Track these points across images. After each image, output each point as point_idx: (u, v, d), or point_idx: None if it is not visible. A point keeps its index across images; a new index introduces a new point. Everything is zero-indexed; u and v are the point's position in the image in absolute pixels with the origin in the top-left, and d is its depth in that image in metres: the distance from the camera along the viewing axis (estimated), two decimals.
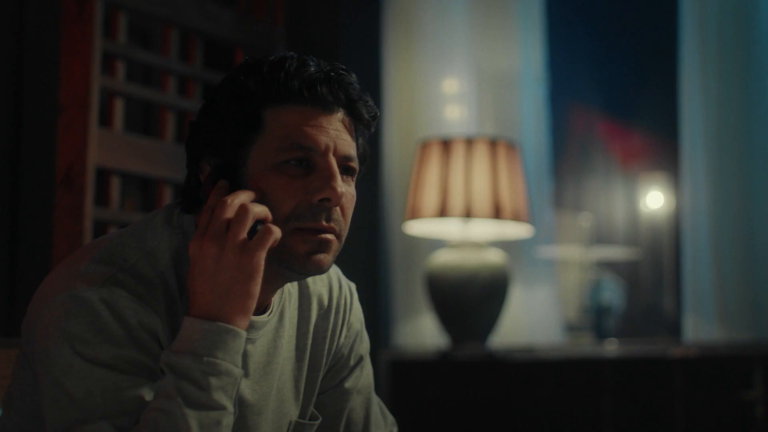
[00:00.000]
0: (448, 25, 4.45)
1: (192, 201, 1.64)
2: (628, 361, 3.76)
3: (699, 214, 4.34)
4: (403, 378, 3.88)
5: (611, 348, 4.14)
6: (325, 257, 1.60)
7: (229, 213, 1.52)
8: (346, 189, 1.60)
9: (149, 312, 1.53)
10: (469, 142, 3.91)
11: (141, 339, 1.51)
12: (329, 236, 1.59)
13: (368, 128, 1.66)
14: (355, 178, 1.64)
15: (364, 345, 1.89)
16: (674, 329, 4.83)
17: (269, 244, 1.52)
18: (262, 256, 1.51)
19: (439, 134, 4.25)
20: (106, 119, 3.15)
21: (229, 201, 1.53)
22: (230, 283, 1.50)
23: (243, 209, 1.52)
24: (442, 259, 3.97)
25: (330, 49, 3.82)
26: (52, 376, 1.48)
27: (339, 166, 1.59)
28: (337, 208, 1.59)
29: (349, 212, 1.63)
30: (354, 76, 1.63)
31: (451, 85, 4.46)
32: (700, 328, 4.29)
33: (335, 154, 1.59)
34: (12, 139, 2.90)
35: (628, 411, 3.67)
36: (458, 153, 3.90)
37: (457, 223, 4.03)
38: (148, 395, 1.49)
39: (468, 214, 3.86)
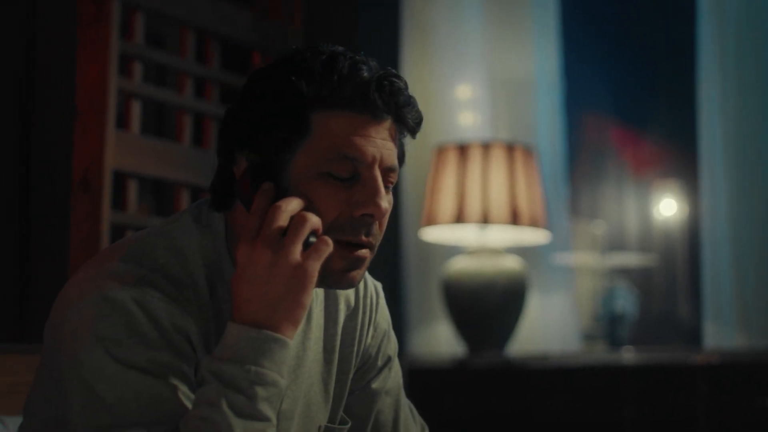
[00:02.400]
0: (463, 31, 4.43)
1: (223, 197, 1.59)
2: (649, 369, 3.72)
3: (718, 220, 4.31)
4: (420, 386, 3.85)
5: (630, 355, 4.10)
6: (358, 273, 1.56)
7: (284, 220, 1.48)
8: (387, 200, 1.56)
9: (182, 313, 1.49)
10: (486, 147, 3.89)
11: (175, 341, 1.47)
12: (365, 252, 1.56)
13: (412, 134, 1.63)
14: (393, 185, 1.61)
15: (392, 345, 1.85)
16: (690, 336, 4.80)
17: (325, 255, 1.48)
18: (317, 267, 1.47)
19: (454, 139, 4.21)
20: (123, 122, 3.12)
21: (283, 207, 1.48)
22: (283, 292, 1.45)
23: (301, 218, 1.48)
24: (459, 265, 3.93)
25: None
26: (81, 380, 1.44)
27: (382, 176, 1.56)
28: (377, 222, 1.56)
29: (386, 222, 1.59)
30: (404, 80, 1.58)
31: (466, 91, 4.43)
32: (721, 334, 4.25)
33: (380, 165, 1.55)
34: (29, 142, 2.88)
35: (649, 419, 3.63)
36: (475, 158, 3.87)
37: (473, 230, 4.00)
38: (183, 401, 1.44)
39: (485, 220, 3.83)
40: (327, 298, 1.74)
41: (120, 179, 3.08)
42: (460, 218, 3.84)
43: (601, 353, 4.54)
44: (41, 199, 2.91)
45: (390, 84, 1.55)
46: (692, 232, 4.82)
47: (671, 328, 5.18)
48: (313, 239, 1.49)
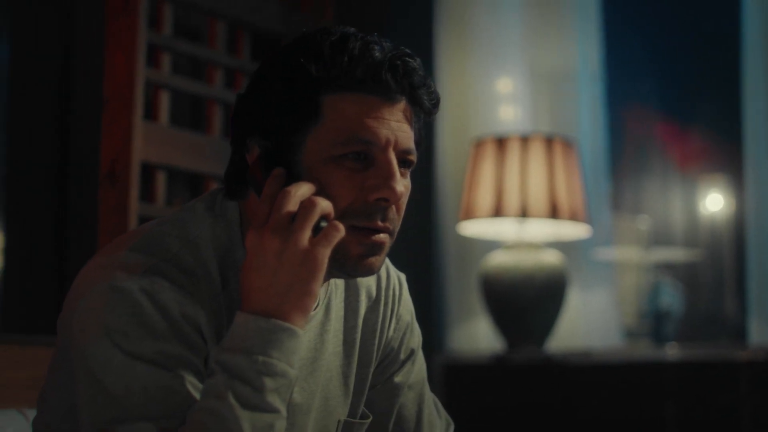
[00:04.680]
0: (502, 23, 4.39)
1: (237, 186, 1.55)
2: (692, 365, 3.66)
3: (764, 215, 4.24)
4: (458, 382, 3.83)
5: (673, 352, 4.04)
6: (377, 260, 1.52)
7: (293, 205, 1.44)
8: (403, 184, 1.51)
9: (192, 304, 1.45)
10: (525, 139, 3.84)
11: (184, 332, 1.43)
12: (383, 237, 1.51)
13: (429, 115, 1.57)
14: (411, 168, 1.56)
15: (415, 338, 1.79)
16: (736, 333, 4.73)
17: (335, 241, 1.44)
18: (327, 253, 1.43)
19: (493, 132, 4.17)
20: (152, 113, 3.10)
21: (293, 192, 1.44)
22: (292, 280, 1.41)
23: (310, 203, 1.44)
24: (497, 260, 3.89)
25: None
26: (89, 372, 1.41)
27: (397, 159, 1.51)
28: (393, 206, 1.51)
29: (404, 206, 1.55)
30: (418, 60, 1.53)
31: (506, 84, 4.39)
32: (766, 331, 4.18)
33: (395, 148, 1.50)
34: (58, 133, 2.88)
35: (691, 416, 3.57)
36: (513, 151, 3.82)
37: (512, 224, 3.95)
38: (192, 394, 1.40)
39: (524, 213, 3.78)
40: (347, 289, 1.70)
41: (149, 171, 3.06)
42: (498, 212, 3.79)
43: (641, 349, 4.48)
44: (70, 191, 2.90)
45: (403, 64, 1.50)
46: (739, 227, 4.75)
47: (717, 325, 5.12)
48: (323, 224, 1.44)
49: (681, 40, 5.03)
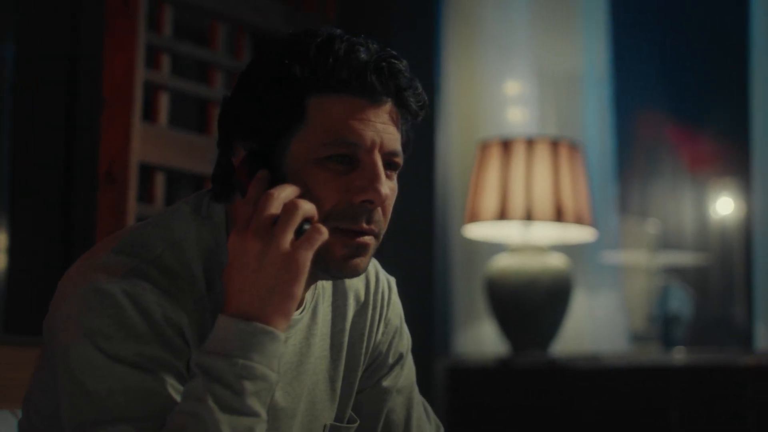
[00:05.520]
0: (510, 25, 4.38)
1: (223, 188, 1.54)
2: (697, 370, 3.64)
3: None
4: (462, 386, 3.81)
5: (678, 356, 4.01)
6: (362, 261, 1.51)
7: (276, 208, 1.43)
8: (389, 186, 1.50)
9: (175, 306, 1.43)
10: (530, 142, 3.83)
11: (166, 335, 1.42)
12: (367, 239, 1.50)
13: (416, 118, 1.55)
14: (397, 171, 1.54)
15: (404, 342, 1.78)
16: (745, 338, 4.71)
17: (317, 244, 1.42)
18: (309, 256, 1.42)
19: (498, 135, 4.16)
20: (151, 115, 3.10)
21: (275, 195, 1.43)
22: (273, 283, 1.40)
23: (293, 205, 1.43)
24: (502, 263, 3.88)
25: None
26: (70, 374, 1.40)
27: (383, 161, 1.50)
28: (378, 208, 1.50)
29: (390, 209, 1.53)
30: (405, 62, 1.52)
31: (513, 86, 4.38)
32: None
33: (381, 150, 1.49)
34: (62, 134, 2.88)
35: (696, 422, 3.55)
36: (519, 154, 3.81)
37: (517, 226, 3.93)
38: (173, 397, 1.40)
39: (529, 216, 3.77)
40: (335, 293, 1.68)
41: (147, 172, 3.06)
42: (503, 215, 3.78)
43: (648, 353, 4.46)
44: (71, 192, 2.91)
45: (389, 65, 1.49)
46: (748, 231, 4.73)
47: (726, 330, 5.09)
48: (306, 227, 1.43)
49: (689, 43, 5.01)
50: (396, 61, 1.50)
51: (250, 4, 3.36)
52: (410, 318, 1.81)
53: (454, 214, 4.24)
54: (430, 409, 1.82)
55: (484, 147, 3.91)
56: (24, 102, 2.95)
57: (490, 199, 3.81)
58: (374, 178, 1.47)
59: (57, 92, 2.93)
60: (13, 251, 2.95)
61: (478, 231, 4.00)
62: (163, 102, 3.09)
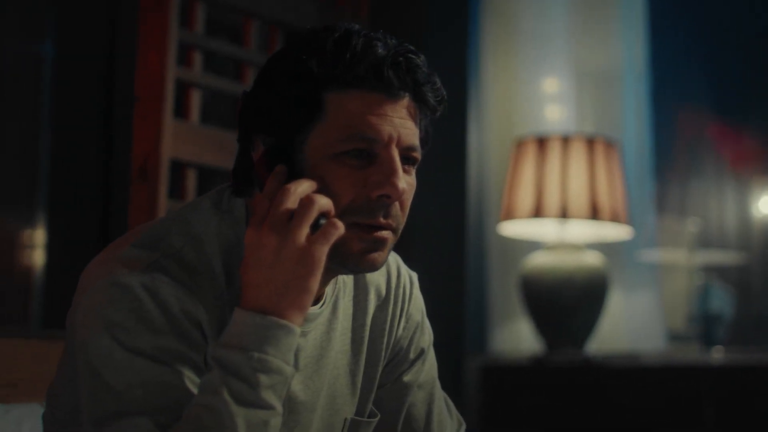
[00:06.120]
0: (547, 22, 4.36)
1: (243, 183, 1.55)
2: (734, 370, 3.61)
3: None
4: (496, 384, 3.80)
5: (715, 356, 3.98)
6: (380, 255, 1.51)
7: (292, 203, 1.43)
8: (407, 181, 1.51)
9: (194, 300, 1.44)
10: (566, 140, 3.81)
11: (184, 329, 1.43)
12: (385, 234, 1.50)
13: (434, 113, 1.55)
14: (416, 166, 1.55)
15: (426, 337, 1.78)
16: None
17: (333, 239, 1.43)
18: (325, 251, 1.42)
19: (534, 132, 4.14)
20: (182, 111, 3.12)
21: (292, 189, 1.44)
22: (289, 277, 1.41)
23: (309, 200, 1.43)
24: (538, 261, 3.86)
25: (416, 44, 3.73)
26: (90, 366, 1.41)
27: (401, 156, 1.50)
28: (396, 203, 1.50)
29: (408, 203, 1.54)
30: (422, 57, 1.52)
31: (551, 84, 4.37)
32: None
33: (398, 144, 1.49)
34: (97, 132, 2.90)
35: (732, 422, 3.52)
36: (554, 151, 3.80)
37: (552, 224, 3.92)
38: (190, 390, 1.41)
39: (564, 214, 3.75)
40: (356, 287, 1.69)
41: (178, 169, 3.07)
42: (538, 213, 3.77)
43: (683, 352, 4.43)
44: (105, 189, 2.92)
45: (406, 60, 1.49)
46: None
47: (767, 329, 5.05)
48: (323, 222, 1.44)
49: (730, 37, 4.95)
50: (413, 56, 1.50)
51: (282, 2, 3.36)
52: (442, 315, 1.80)
53: (491, 212, 4.23)
54: (452, 404, 1.82)
55: (520, 144, 3.90)
56: (63, 100, 2.98)
57: (525, 197, 3.80)
58: (391, 173, 1.47)
59: (94, 90, 2.95)
60: (51, 248, 2.97)
61: (513, 229, 3.99)
62: (195, 99, 3.11)
